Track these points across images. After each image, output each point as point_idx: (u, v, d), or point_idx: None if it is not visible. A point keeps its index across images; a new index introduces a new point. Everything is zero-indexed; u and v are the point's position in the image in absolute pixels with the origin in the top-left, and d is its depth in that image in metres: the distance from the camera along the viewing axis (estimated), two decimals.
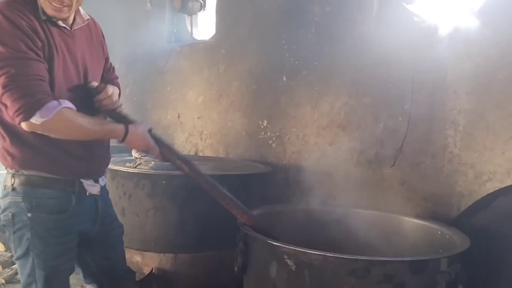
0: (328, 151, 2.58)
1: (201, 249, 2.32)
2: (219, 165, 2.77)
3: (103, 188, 1.69)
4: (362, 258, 1.39)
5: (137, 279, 2.24)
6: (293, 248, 1.47)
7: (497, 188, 1.96)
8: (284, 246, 1.49)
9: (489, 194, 1.97)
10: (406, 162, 2.28)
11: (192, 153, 3.53)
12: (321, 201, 2.38)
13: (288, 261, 1.49)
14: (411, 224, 1.95)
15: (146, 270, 2.29)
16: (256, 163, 2.83)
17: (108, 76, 1.76)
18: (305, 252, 1.44)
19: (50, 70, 1.45)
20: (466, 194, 2.07)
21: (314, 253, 1.43)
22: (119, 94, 1.74)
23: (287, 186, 2.80)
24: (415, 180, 2.25)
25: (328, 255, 1.41)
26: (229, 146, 3.24)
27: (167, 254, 2.29)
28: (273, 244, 1.51)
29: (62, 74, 1.50)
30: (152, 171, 2.34)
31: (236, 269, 1.71)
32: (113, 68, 1.83)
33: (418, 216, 2.03)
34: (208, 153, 3.38)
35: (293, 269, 1.48)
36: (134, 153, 2.47)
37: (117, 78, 1.82)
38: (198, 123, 3.50)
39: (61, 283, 1.61)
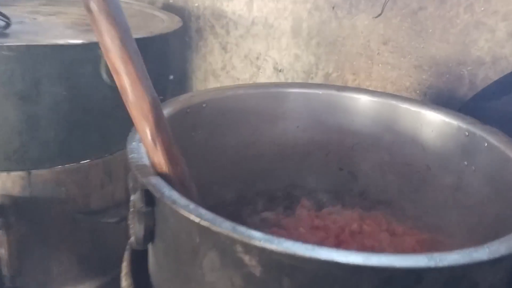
0: None
1: (73, 158, 1.43)
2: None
3: None
4: (407, 265, 0.65)
5: None
6: (257, 241, 0.67)
7: None
8: (238, 235, 0.68)
9: None
10: (396, 9, 1.45)
11: None
12: (257, 71, 1.58)
13: (247, 259, 0.71)
14: (418, 116, 1.22)
15: None
16: (153, 9, 1.81)
17: None
18: (286, 253, 0.65)
19: None
20: (489, 61, 1.35)
21: (305, 256, 0.65)
22: None
23: (200, 43, 1.87)
24: (407, 37, 1.46)
25: (335, 261, 0.64)
26: None
27: (12, 173, 1.38)
28: (211, 230, 0.70)
29: None
30: None
31: (133, 239, 0.90)
32: None
33: (423, 103, 1.30)
34: None
35: (258, 275, 0.71)
36: None
37: None
38: None
39: None
